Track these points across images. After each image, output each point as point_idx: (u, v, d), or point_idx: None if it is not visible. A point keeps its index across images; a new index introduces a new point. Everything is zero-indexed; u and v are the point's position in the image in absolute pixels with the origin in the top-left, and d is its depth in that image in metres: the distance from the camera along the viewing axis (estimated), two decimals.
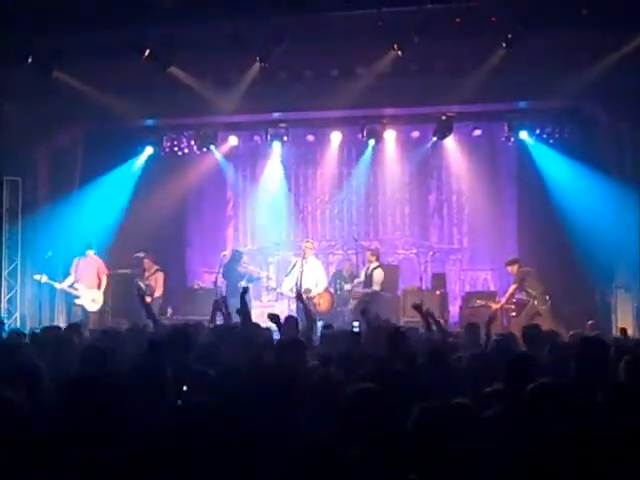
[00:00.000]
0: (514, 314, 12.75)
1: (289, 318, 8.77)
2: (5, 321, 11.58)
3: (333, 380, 4.84)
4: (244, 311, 7.89)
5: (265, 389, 4.43)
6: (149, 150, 14.43)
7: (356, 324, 7.28)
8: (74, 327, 8.61)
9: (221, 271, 13.36)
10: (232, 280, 13.39)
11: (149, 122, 14.03)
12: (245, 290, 8.22)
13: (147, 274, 13.48)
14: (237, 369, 5.35)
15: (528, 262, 13.12)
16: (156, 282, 13.44)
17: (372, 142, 14.44)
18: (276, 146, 14.64)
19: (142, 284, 12.97)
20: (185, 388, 5.03)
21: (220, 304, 8.87)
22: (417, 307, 8.05)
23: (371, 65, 11.84)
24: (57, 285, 12.95)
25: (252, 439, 3.85)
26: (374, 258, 13.46)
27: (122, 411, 3.96)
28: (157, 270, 13.56)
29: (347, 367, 5.51)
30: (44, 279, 12.71)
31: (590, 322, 11.09)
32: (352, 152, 15.86)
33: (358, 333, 6.93)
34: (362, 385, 4.20)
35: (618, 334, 9.78)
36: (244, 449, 3.76)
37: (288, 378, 4.60)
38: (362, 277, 13.56)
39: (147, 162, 14.59)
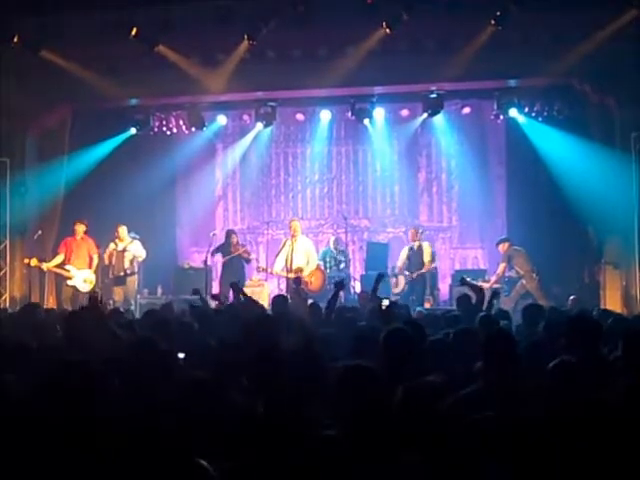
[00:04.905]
0: (506, 293, 12.80)
1: (277, 296, 9.23)
2: None
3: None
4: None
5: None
6: (136, 130, 14.29)
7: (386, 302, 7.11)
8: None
9: (212, 251, 13.49)
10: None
11: (137, 102, 13.89)
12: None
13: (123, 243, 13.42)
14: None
15: (517, 240, 13.20)
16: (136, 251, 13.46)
17: (367, 121, 14.38)
18: (265, 125, 14.50)
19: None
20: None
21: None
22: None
23: (360, 43, 11.77)
24: (45, 266, 12.95)
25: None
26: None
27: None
28: (133, 239, 13.53)
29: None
30: (34, 262, 12.71)
31: (572, 297, 11.16)
32: (341, 130, 15.86)
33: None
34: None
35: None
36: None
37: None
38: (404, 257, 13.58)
39: (135, 142, 14.46)
